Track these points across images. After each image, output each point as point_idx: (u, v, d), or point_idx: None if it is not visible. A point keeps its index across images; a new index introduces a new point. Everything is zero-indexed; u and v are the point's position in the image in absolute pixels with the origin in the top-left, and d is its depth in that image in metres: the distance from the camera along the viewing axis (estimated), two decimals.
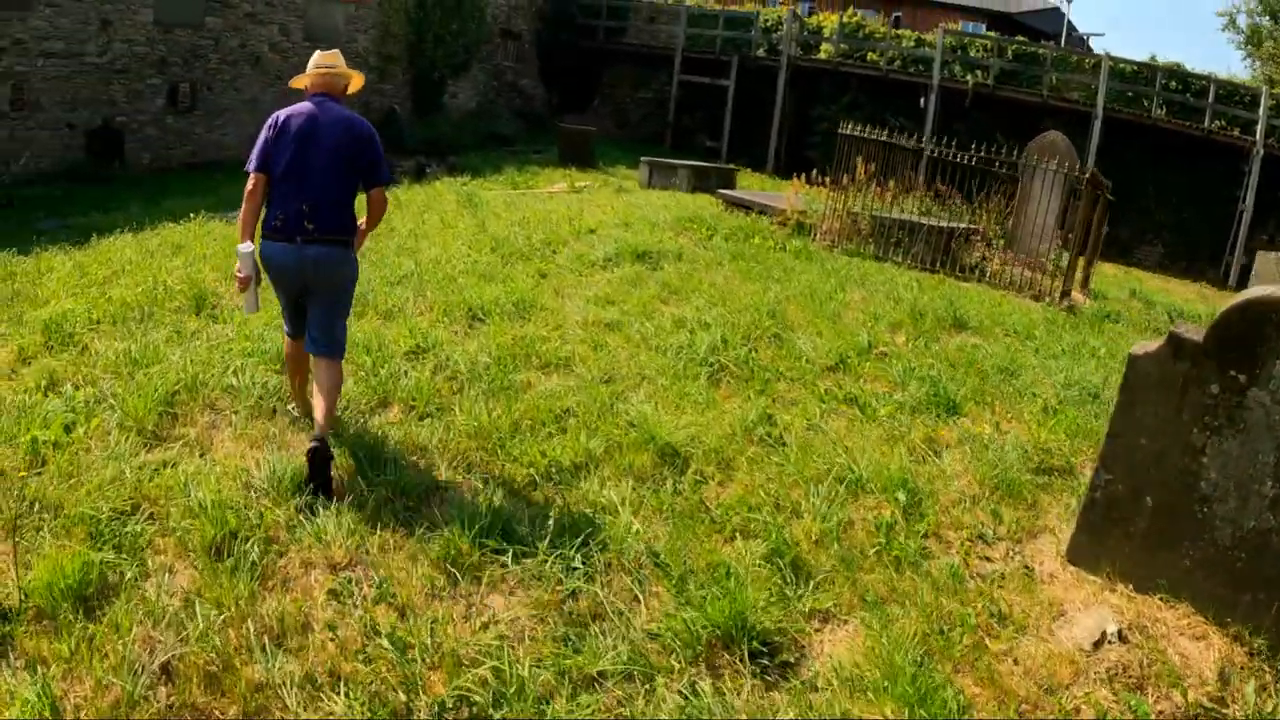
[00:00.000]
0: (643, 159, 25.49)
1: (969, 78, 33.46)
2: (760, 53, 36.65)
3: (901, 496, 6.77)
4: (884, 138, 18.57)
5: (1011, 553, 6.36)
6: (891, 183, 18.56)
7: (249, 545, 5.54)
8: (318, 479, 6.15)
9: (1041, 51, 34.38)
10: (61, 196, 21.08)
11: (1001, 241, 18.49)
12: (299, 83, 6.97)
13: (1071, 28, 61.85)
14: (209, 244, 13.49)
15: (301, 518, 5.93)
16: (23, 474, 6.19)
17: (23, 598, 4.98)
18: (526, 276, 12.14)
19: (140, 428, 6.95)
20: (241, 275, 6.57)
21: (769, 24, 37.04)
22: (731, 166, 27.62)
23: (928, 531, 6.46)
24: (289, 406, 7.43)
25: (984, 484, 7.24)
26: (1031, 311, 13.76)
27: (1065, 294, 15.26)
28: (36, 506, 5.83)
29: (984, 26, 47.78)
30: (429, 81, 32.92)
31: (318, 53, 7.02)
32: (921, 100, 33.20)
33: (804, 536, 6.20)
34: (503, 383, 8.31)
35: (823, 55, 36.20)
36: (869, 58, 35.42)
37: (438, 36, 32.58)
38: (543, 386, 8.43)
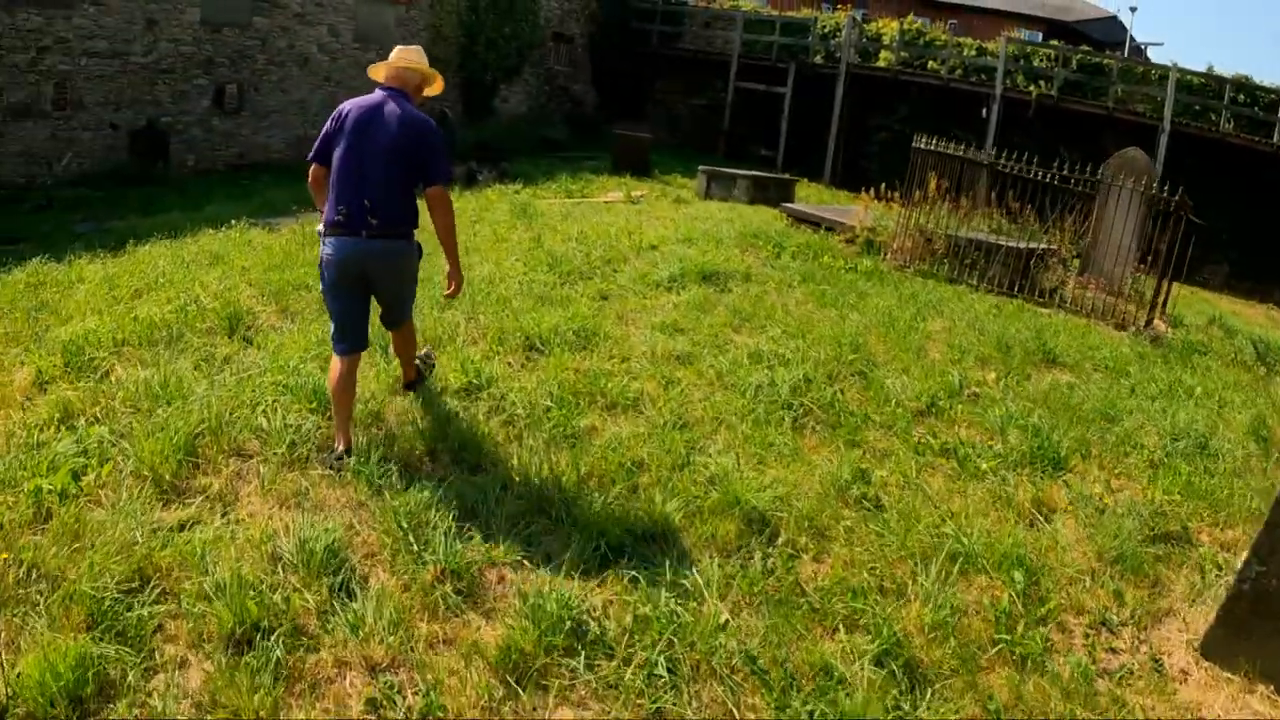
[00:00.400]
0: (700, 168, 24.57)
1: (1031, 88, 32.26)
2: (817, 59, 35.62)
3: (1018, 576, 5.94)
4: (958, 151, 17.32)
5: (1138, 641, 5.67)
6: (963, 199, 17.52)
7: (273, 639, 4.68)
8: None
9: (1106, 62, 33.20)
10: (103, 198, 20.38)
11: (1076, 263, 17.51)
12: (375, 73, 6.92)
13: (1130, 36, 60.66)
14: (248, 255, 12.66)
15: (336, 602, 5.05)
16: (23, 531, 5.42)
17: (10, 695, 4.23)
18: (587, 299, 11.25)
19: (157, 477, 6.09)
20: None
21: (826, 30, 36.03)
22: (790, 177, 26.61)
23: (1048, 618, 5.67)
24: (325, 455, 6.64)
25: (1102, 557, 6.45)
26: (1119, 343, 12.74)
27: (1149, 323, 14.26)
28: (34, 574, 5.03)
29: (1041, 35, 46.63)
30: (480, 85, 32.10)
31: (399, 46, 6.97)
32: (984, 110, 32.10)
33: (915, 627, 5.35)
34: (565, 428, 7.43)
35: (881, 63, 35.14)
36: (929, 66, 34.35)
37: (490, 40, 31.75)
38: (610, 432, 7.52)
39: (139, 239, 13.95)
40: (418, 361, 7.65)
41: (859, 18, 35.02)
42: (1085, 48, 36.60)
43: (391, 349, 7.64)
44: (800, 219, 18.23)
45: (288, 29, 26.06)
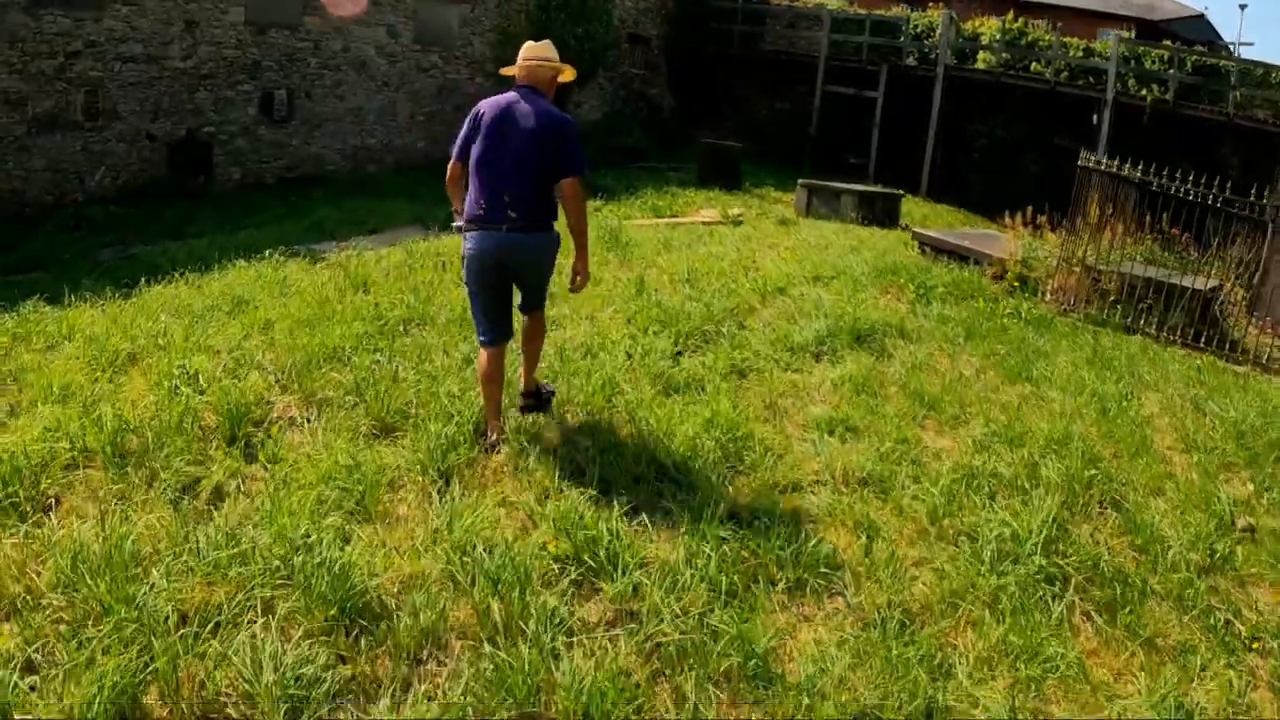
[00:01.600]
0: (800, 182, 21.73)
1: (1144, 92, 29.31)
2: (910, 61, 32.66)
3: None
4: (1124, 172, 14.44)
5: None
6: (1119, 225, 14.66)
7: None
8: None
9: (1224, 64, 30.14)
10: (137, 217, 18.03)
11: (1244, 302, 14.62)
12: (508, 72, 7.02)
13: (1217, 35, 57.39)
14: (277, 302, 10.02)
15: None
16: None
17: None
18: (719, 376, 8.46)
19: None
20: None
21: (919, 29, 33.03)
22: (896, 191, 23.80)
23: None
24: (480, 439, 6.76)
25: None
26: None
27: None
28: None
29: (1128, 34, 43.56)
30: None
31: (529, 43, 7.04)
32: (1094, 117, 29.05)
33: None
34: (731, 645, 4.54)
35: (980, 64, 32.12)
36: (1032, 68, 31.28)
37: (561, 41, 28.54)
38: (800, 642, 4.71)
39: (159, 273, 11.67)
40: (536, 393, 7.34)
41: (954, 16, 31.89)
42: (1200, 48, 33.38)
43: (519, 347, 7.37)
44: (935, 247, 15.32)
45: (342, 30, 23.41)
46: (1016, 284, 13.75)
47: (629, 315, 10.07)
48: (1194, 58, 29.82)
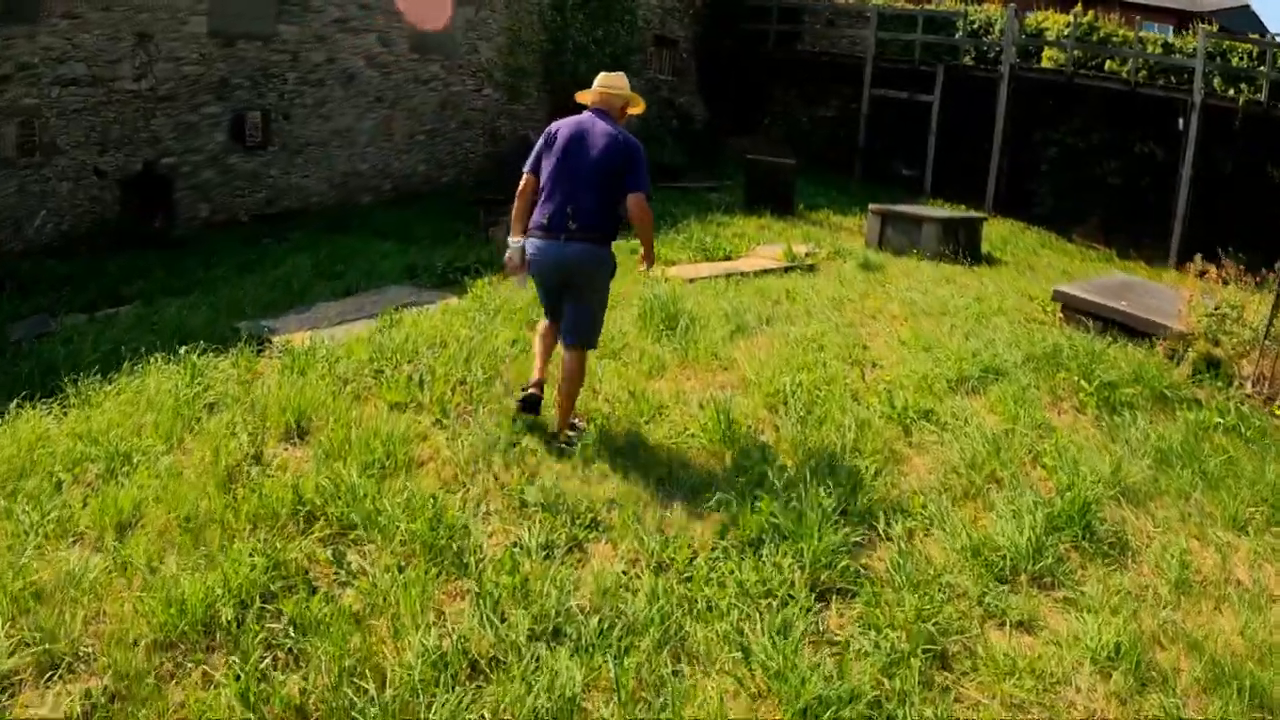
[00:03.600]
0: (871, 208, 18.00)
1: (1231, 92, 25.65)
2: (968, 60, 28.99)
3: None
4: None
5: None
6: None
7: None
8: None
9: None
10: (78, 271, 14.60)
11: None
12: (583, 97, 7.50)
13: (1263, 27, 53.82)
14: (164, 469, 6.41)
15: None
16: None
17: None
18: (894, 657, 4.75)
19: None
20: (513, 264, 7.18)
21: (976, 25, 29.32)
22: (982, 215, 20.27)
23: None
24: (519, 390, 7.37)
25: None
26: None
27: None
28: None
29: (1171, 28, 39.84)
30: (571, 100, 25.33)
31: (603, 73, 7.57)
32: (1179, 121, 25.33)
33: None
34: None
35: (1046, 63, 28.41)
36: (1107, 67, 27.58)
37: (580, 46, 25.22)
38: None
39: (77, 365, 8.56)
40: (573, 423, 7.40)
41: (1016, 9, 28.10)
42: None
43: (557, 385, 7.34)
44: (1084, 312, 11.58)
45: (326, 39, 19.82)
46: (1200, 364, 10.11)
47: (729, 534, 5.97)
48: None
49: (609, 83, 7.43)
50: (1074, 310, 11.55)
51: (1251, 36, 27.17)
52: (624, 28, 26.67)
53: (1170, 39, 27.78)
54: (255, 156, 18.97)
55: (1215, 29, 28.43)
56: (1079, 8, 28.34)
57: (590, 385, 7.95)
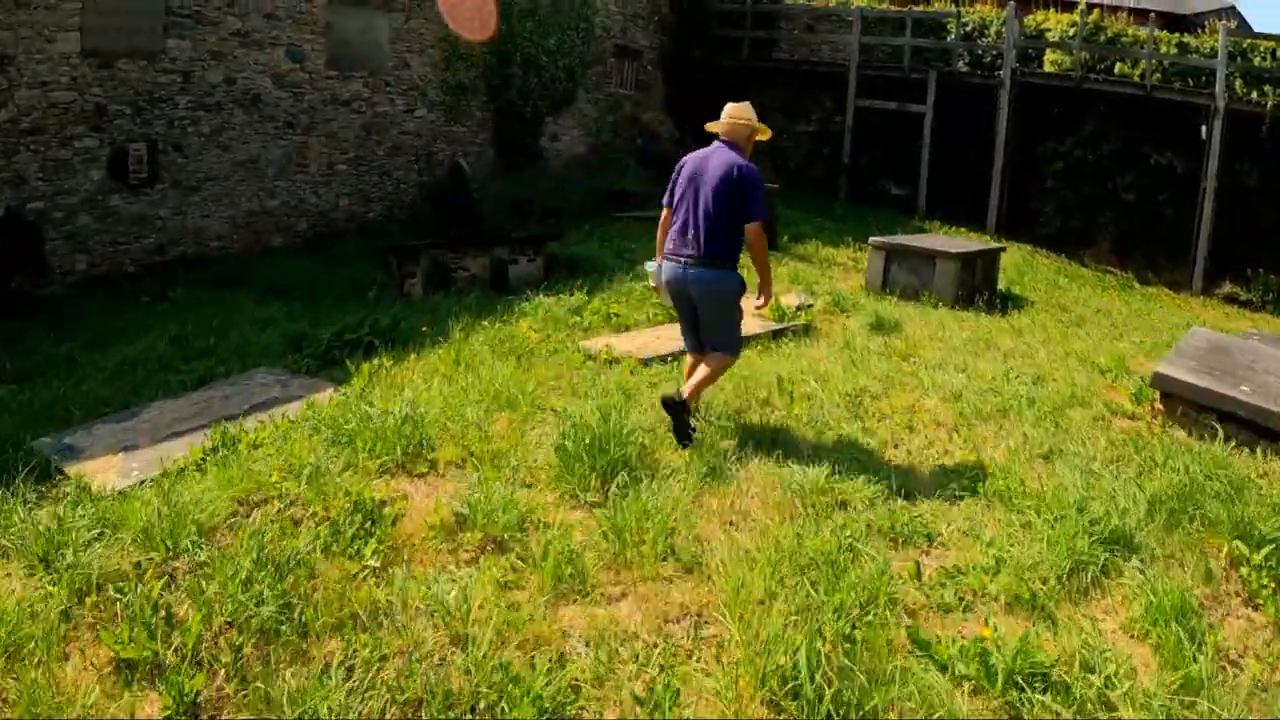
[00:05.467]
0: (873, 242, 14.81)
1: (1255, 95, 22.74)
2: (962, 66, 25.98)
3: None
4: None
5: None
6: None
7: None
8: (677, 426, 7.22)
9: None
10: None
11: None
12: (713, 128, 7.67)
13: (1249, 29, 51.15)
14: None
15: None
16: None
17: None
18: None
19: None
20: (654, 286, 8.11)
21: (970, 27, 26.36)
22: (1001, 245, 17.25)
23: None
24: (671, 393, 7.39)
25: None
26: None
27: None
28: None
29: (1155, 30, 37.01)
30: (518, 119, 22.36)
31: (730, 103, 7.66)
32: (1203, 128, 22.46)
33: None
34: None
35: (1048, 67, 25.48)
36: (1117, 70, 24.66)
37: (529, 58, 22.10)
38: None
39: None
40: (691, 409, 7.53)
41: (1016, 8, 25.09)
42: None
43: (688, 371, 7.81)
44: (1196, 403, 8.46)
45: (223, 55, 16.65)
46: None
47: None
48: None
49: (736, 113, 7.62)
50: (1177, 398, 8.50)
51: (1273, 34, 24.29)
52: (580, 36, 23.55)
53: (1184, 38, 24.84)
54: (141, 196, 15.81)
55: (1234, 26, 25.62)
56: (1083, 5, 25.37)
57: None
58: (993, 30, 25.71)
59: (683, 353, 9.46)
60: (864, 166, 26.54)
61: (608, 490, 6.14)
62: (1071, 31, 24.53)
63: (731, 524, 5.87)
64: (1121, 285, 21.78)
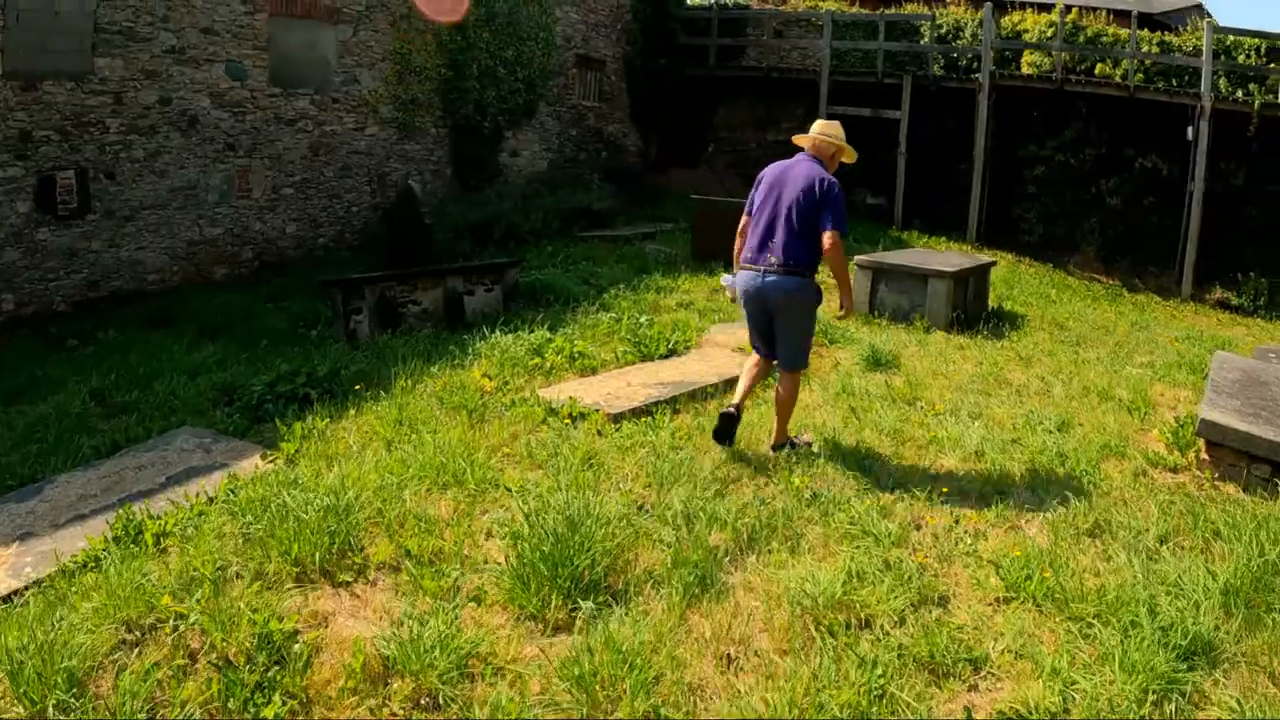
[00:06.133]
0: (858, 260, 13.54)
1: (1240, 94, 21.92)
2: (937, 70, 24.86)
3: None
4: None
5: None
6: None
7: None
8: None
9: None
10: None
11: None
12: (800, 140, 7.80)
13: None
14: None
15: None
16: None
17: None
18: None
19: None
20: (729, 293, 7.77)
21: (945, 30, 25.31)
22: (991, 259, 16.07)
23: None
24: (728, 405, 7.50)
25: None
26: None
27: None
28: None
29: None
30: (476, 135, 21.18)
31: (820, 120, 8.01)
32: (1189, 130, 21.47)
33: None
34: None
35: (1026, 69, 24.45)
36: (1098, 70, 23.66)
37: (487, 70, 20.91)
38: None
39: None
40: (791, 440, 7.71)
41: (994, 9, 24.01)
42: None
43: (773, 401, 7.86)
44: (1241, 449, 7.42)
45: (157, 75, 15.40)
46: None
47: None
48: None
49: (826, 130, 7.77)
50: (1227, 448, 7.39)
51: (1256, 30, 23.31)
52: (539, 47, 22.33)
53: (1166, 36, 23.88)
54: (70, 228, 14.56)
55: (1215, 23, 24.61)
56: (1060, 5, 24.32)
57: None
58: (968, 32, 24.77)
59: (657, 404, 8.39)
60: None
61: (573, 611, 4.94)
62: (1050, 32, 23.58)
63: (729, 660, 4.63)
64: (1110, 294, 20.78)
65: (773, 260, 7.23)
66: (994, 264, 15.84)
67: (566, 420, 7.89)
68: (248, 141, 16.84)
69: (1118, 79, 22.74)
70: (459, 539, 5.77)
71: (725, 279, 7.77)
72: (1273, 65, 21.75)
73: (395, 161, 19.55)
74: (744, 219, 7.64)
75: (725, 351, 10.71)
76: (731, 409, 7.37)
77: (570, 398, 8.22)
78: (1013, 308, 15.65)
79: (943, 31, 25.11)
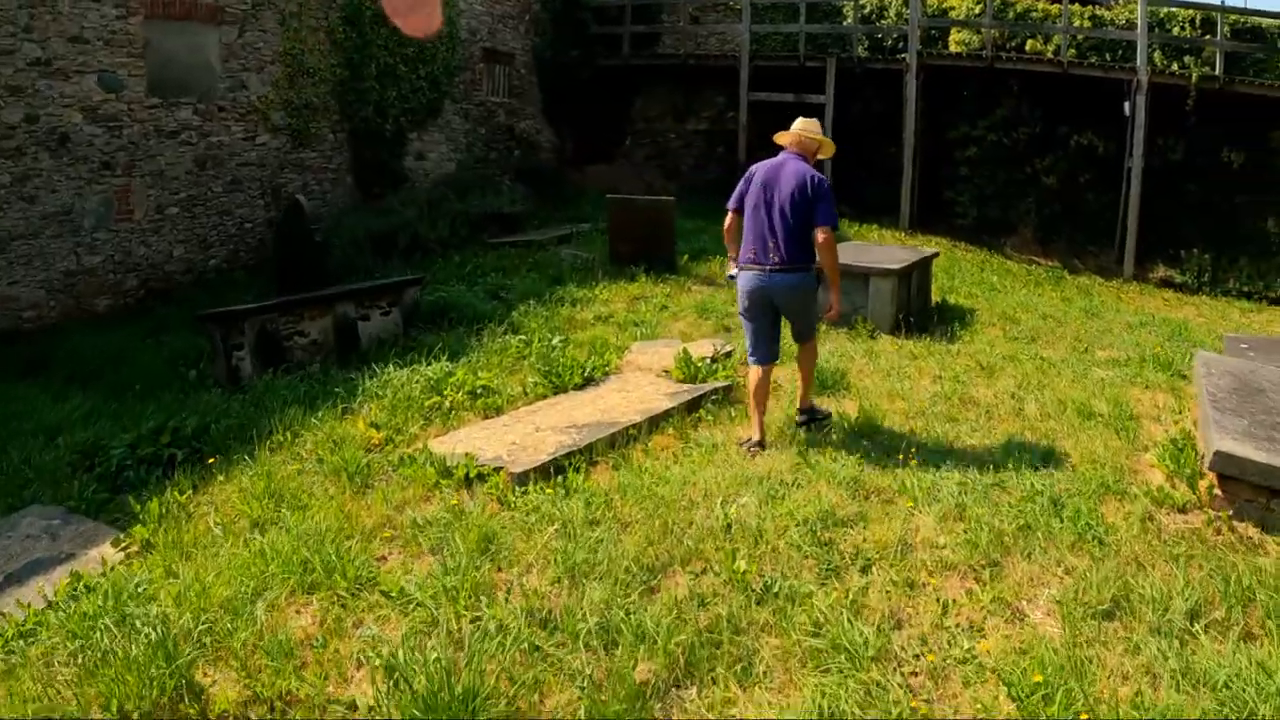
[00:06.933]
0: None
1: (1176, 66, 21.20)
2: (861, 51, 23.70)
3: None
4: None
5: None
6: None
7: None
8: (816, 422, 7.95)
9: (1269, 25, 21.86)
10: None
11: None
12: (781, 139, 7.98)
13: None
14: None
15: None
16: None
17: None
18: None
19: None
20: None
21: (868, 10, 24.16)
22: (934, 250, 14.95)
23: None
24: (743, 442, 7.70)
25: None
26: None
27: None
28: None
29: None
30: (377, 138, 19.59)
31: (800, 118, 8.06)
32: (1125, 105, 20.62)
33: None
34: None
35: (955, 47, 23.45)
36: (1029, 47, 22.71)
37: (386, 68, 19.42)
38: None
39: None
40: (811, 411, 8.07)
41: None
42: (1232, 5, 24.90)
43: (796, 370, 8.22)
44: (1268, 489, 6.29)
45: (21, 90, 13.75)
46: None
47: None
48: (1232, 18, 21.63)
49: (806, 128, 7.94)
50: (1243, 482, 6.26)
51: (1191, 0, 22.46)
52: (442, 41, 20.80)
53: (1099, 10, 22.97)
54: None
55: None
56: None
57: None
58: (893, 11, 23.70)
59: (570, 455, 7.04)
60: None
61: None
62: (978, 9, 22.55)
63: None
64: (1052, 277, 19.88)
65: (776, 259, 7.52)
66: (936, 255, 14.77)
67: (462, 484, 6.60)
68: (126, 158, 15.23)
69: (1050, 55, 21.84)
70: (321, 672, 4.50)
71: (731, 275, 7.96)
72: (1208, 36, 20.99)
73: (290, 171, 18.00)
74: (730, 216, 7.94)
75: (649, 377, 9.42)
76: (758, 443, 7.59)
77: (467, 454, 6.84)
78: (957, 301, 14.57)
79: (867, 11, 24.01)
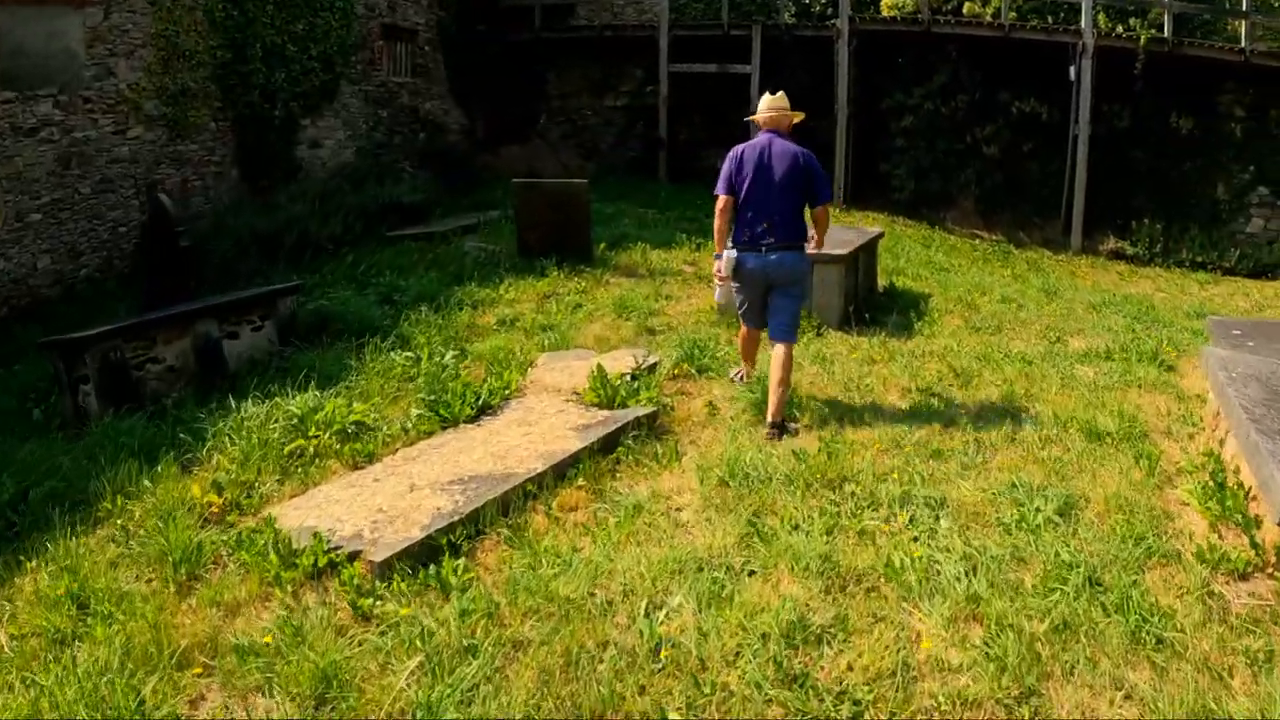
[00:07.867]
0: (726, 254, 10.73)
1: (1121, 29, 20.59)
2: (788, 18, 22.53)
3: None
4: None
5: None
6: None
7: None
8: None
9: None
10: None
11: None
12: (754, 120, 8.05)
13: None
14: None
15: None
16: None
17: None
18: None
19: None
20: (721, 275, 7.87)
21: None
22: (879, 230, 13.64)
23: None
24: (733, 374, 8.55)
25: None
26: None
27: None
28: None
29: None
30: (266, 125, 17.94)
31: (767, 95, 8.11)
32: (1071, 69, 19.73)
33: None
34: None
35: (887, 11, 22.26)
36: (967, 9, 21.60)
37: (273, 48, 17.74)
38: None
39: None
40: (782, 426, 7.44)
41: None
42: None
43: (769, 377, 7.62)
44: None
45: None
46: None
47: None
48: None
49: (775, 104, 7.92)
50: None
51: None
52: (336, 17, 19.10)
53: None
54: None
55: None
56: None
57: None
58: None
59: (451, 528, 5.43)
60: (684, 141, 22.95)
61: None
62: None
63: None
64: (998, 252, 18.89)
65: (772, 239, 7.58)
66: (882, 235, 13.49)
67: (310, 575, 5.12)
68: None
69: (989, 18, 20.82)
70: None
71: (728, 254, 7.73)
72: (1154, 3, 20.04)
73: (167, 167, 16.10)
74: (722, 199, 7.79)
75: (556, 401, 7.88)
76: (742, 374, 8.38)
77: (315, 535, 5.36)
78: (906, 285, 13.27)
79: None
